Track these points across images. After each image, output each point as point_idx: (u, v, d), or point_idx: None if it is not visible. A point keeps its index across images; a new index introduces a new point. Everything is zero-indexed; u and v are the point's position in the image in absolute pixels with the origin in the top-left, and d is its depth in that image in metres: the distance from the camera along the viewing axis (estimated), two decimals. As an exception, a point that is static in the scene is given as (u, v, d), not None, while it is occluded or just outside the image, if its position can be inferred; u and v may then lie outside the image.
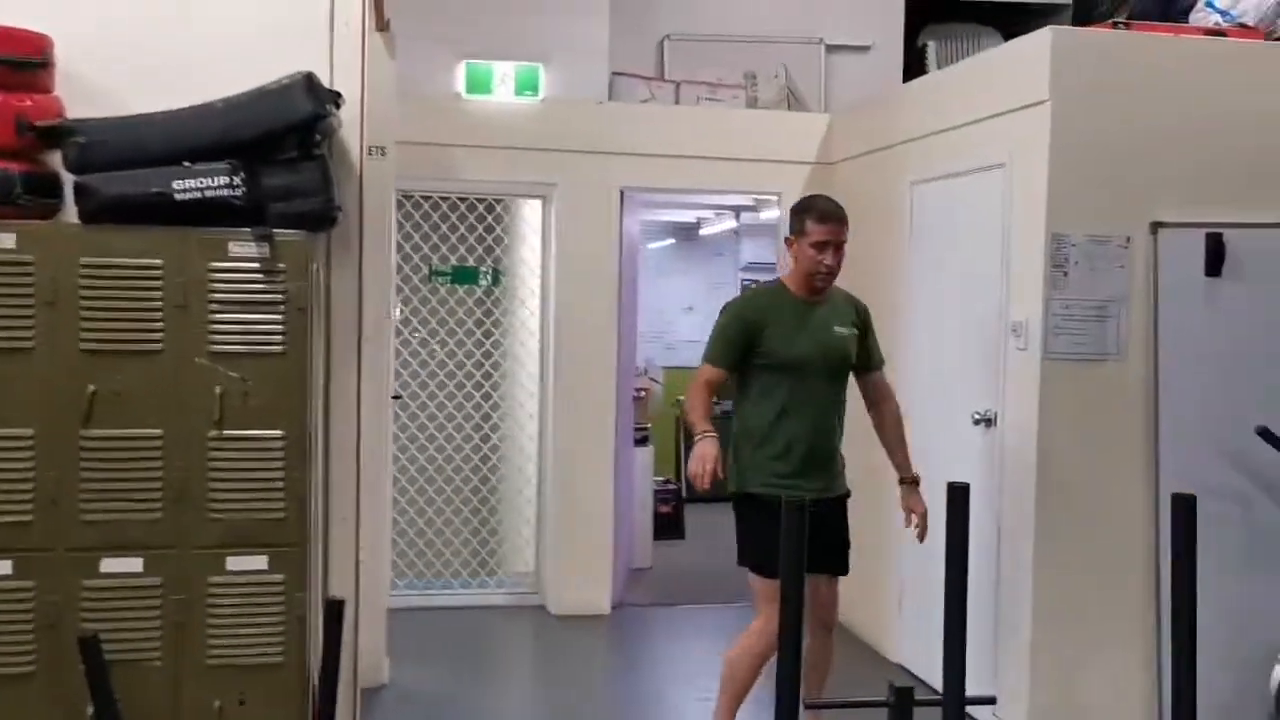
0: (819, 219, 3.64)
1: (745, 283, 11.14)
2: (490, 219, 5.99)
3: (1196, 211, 4.05)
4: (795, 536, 2.43)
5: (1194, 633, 2.39)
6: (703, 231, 10.32)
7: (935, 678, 4.59)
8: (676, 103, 5.97)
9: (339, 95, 3.31)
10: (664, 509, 7.41)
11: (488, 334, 6.17)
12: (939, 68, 6.70)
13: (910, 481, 3.79)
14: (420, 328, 5.88)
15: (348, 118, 3.41)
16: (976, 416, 4.36)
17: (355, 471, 3.56)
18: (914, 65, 6.75)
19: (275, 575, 3.18)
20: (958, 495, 2.55)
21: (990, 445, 4.32)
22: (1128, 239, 4.04)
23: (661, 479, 7.65)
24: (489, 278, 5.89)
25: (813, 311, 3.70)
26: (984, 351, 4.35)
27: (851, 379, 3.84)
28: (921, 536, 3.75)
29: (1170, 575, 2.37)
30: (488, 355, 6.01)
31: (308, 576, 3.21)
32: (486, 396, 6.02)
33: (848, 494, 3.81)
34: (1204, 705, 4.13)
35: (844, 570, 3.80)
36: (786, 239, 3.79)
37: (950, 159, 4.66)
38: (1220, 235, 4.04)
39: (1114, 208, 4.04)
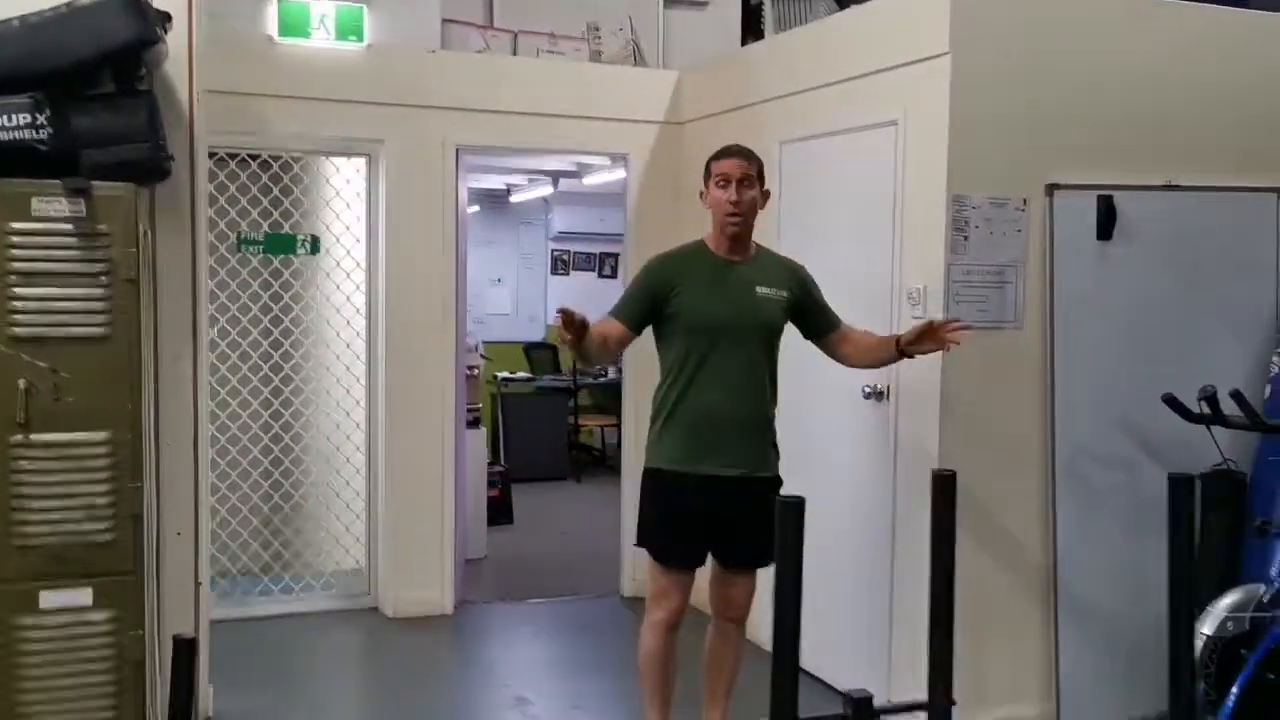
0: (719, 155, 3.44)
1: (556, 253, 10.77)
2: (308, 180, 5.34)
3: (1090, 173, 3.92)
4: (792, 531, 2.06)
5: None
6: (513, 199, 9.82)
7: (826, 673, 4.40)
8: (514, 54, 5.47)
9: (168, 17, 2.69)
10: (492, 493, 6.95)
11: (307, 309, 5.54)
12: (775, 31, 6.50)
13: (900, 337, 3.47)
14: (230, 304, 5.18)
15: (174, 47, 2.80)
16: (867, 390, 4.11)
17: (193, 476, 2.97)
18: (750, 25, 6.51)
19: (103, 612, 2.58)
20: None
21: (882, 420, 4.09)
22: (1025, 201, 3.86)
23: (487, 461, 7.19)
24: (307, 246, 5.25)
25: (732, 271, 3.39)
26: (875, 321, 4.09)
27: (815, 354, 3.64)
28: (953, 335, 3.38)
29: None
30: (287, 333, 5.35)
31: (146, 611, 2.62)
32: (287, 380, 5.38)
33: (776, 479, 3.46)
34: (1100, 672, 4.10)
35: (763, 562, 3.43)
36: (700, 194, 3.51)
37: (830, 116, 4.39)
38: (1111, 198, 3.93)
39: (1011, 169, 3.85)
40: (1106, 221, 3.92)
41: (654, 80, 5.58)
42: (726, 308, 3.35)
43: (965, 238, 3.79)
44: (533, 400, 9.04)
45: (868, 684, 4.10)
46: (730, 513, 3.36)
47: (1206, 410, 3.53)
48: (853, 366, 3.63)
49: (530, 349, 9.86)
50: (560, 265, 10.65)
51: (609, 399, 9.57)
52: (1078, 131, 3.91)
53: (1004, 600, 3.91)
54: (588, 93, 5.42)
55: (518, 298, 10.29)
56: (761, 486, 3.36)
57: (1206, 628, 3.43)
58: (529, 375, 9.36)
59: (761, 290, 3.40)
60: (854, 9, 4.46)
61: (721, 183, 3.37)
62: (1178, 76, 4.03)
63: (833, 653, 4.24)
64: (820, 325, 3.57)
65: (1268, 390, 4.01)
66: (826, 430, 4.32)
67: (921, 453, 3.92)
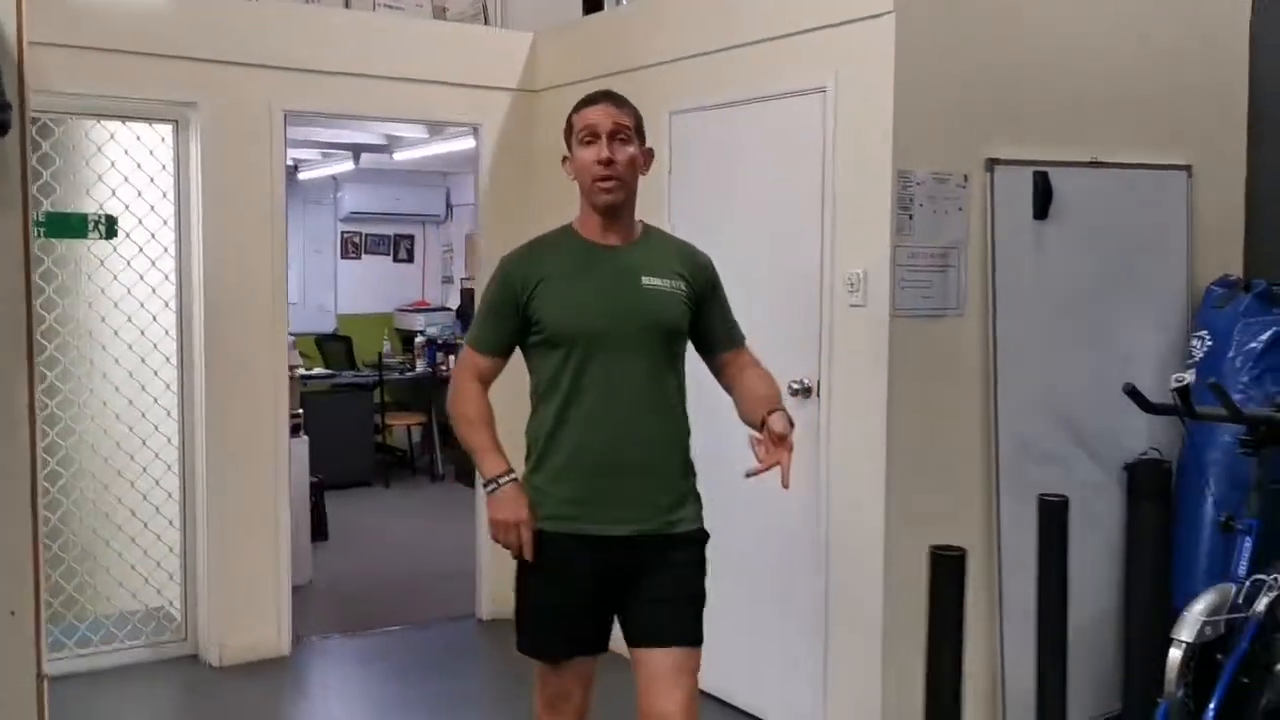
0: (582, 104, 2.59)
1: (346, 235, 9.88)
2: (102, 149, 4.44)
3: (1026, 148, 3.65)
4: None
5: None
6: (301, 176, 8.91)
7: (738, 698, 4.01)
8: (347, 6, 4.75)
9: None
10: (307, 507, 6.18)
11: (77, 304, 4.64)
12: (617, -4, 6.02)
13: (773, 411, 2.53)
14: None
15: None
16: (795, 386, 3.71)
17: (30, 535, 2.21)
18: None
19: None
20: (1053, 512, 1.84)
21: (811, 418, 3.69)
22: (965, 177, 3.55)
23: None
24: (100, 229, 4.36)
25: (610, 257, 2.56)
26: (801, 311, 3.70)
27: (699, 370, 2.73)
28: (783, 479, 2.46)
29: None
30: (51, 334, 4.38)
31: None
32: (51, 391, 4.47)
33: (699, 532, 2.62)
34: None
35: (690, 638, 2.56)
36: (564, 159, 2.63)
37: (736, 83, 3.95)
38: (1046, 174, 3.67)
39: (951, 141, 3.53)
40: (1044, 200, 3.67)
41: (507, 42, 4.98)
42: (603, 305, 2.52)
43: (910, 217, 3.44)
44: (332, 399, 8.20)
45: (805, 710, 3.78)
46: (634, 577, 2.54)
47: (1177, 401, 3.33)
48: (733, 399, 2.73)
49: (322, 341, 8.99)
50: (351, 249, 9.80)
51: (414, 395, 8.86)
52: (1014, 103, 3.63)
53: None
54: (433, 54, 4.77)
55: (305, 285, 9.36)
56: (678, 546, 2.57)
57: (1184, 634, 3.22)
58: (327, 371, 8.51)
59: (650, 281, 2.55)
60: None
61: (588, 138, 2.52)
62: (1101, 48, 3.82)
63: (759, 681, 3.84)
64: (717, 338, 2.69)
65: (1193, 375, 3.87)
66: (744, 432, 3.89)
67: (856, 455, 3.56)
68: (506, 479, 2.51)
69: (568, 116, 2.61)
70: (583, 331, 2.51)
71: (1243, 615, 3.26)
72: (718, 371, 2.74)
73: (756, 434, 2.49)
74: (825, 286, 3.62)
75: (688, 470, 2.65)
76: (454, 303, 9.49)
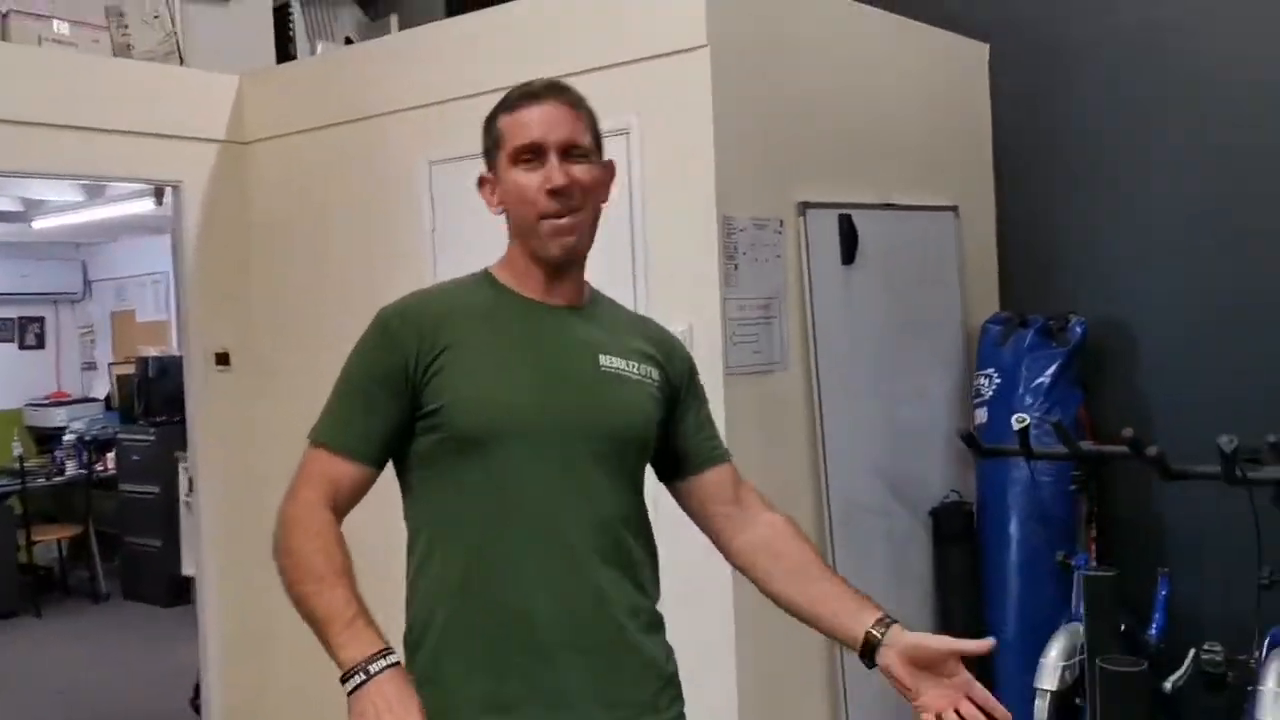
0: (514, 103, 1.78)
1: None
2: None
3: (831, 191, 3.50)
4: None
5: None
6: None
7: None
8: (3, 39, 3.89)
9: None
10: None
11: None
12: (308, 36, 5.45)
13: (889, 622, 1.67)
14: None
15: None
16: (612, 460, 3.31)
17: None
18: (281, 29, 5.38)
19: None
20: (1098, 588, 1.60)
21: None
22: (781, 222, 3.34)
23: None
24: None
25: (553, 323, 1.77)
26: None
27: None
28: None
29: None
30: None
31: None
32: None
33: None
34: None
35: None
36: (480, 182, 1.85)
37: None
38: (850, 217, 3.54)
39: (767, 184, 3.31)
40: (850, 244, 3.53)
41: (207, 86, 4.27)
42: (543, 392, 1.71)
43: (735, 266, 3.18)
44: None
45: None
46: None
47: (1017, 444, 3.25)
48: (739, 569, 1.86)
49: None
50: (-33, 335, 8.34)
51: (63, 503, 7.60)
52: (819, 144, 3.48)
53: (791, 677, 3.34)
54: (119, 99, 4.00)
55: None
56: None
57: (1047, 683, 3.14)
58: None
59: (610, 362, 1.76)
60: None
61: (526, 155, 1.74)
62: (882, 91, 3.76)
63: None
64: (695, 453, 1.86)
65: (985, 414, 3.87)
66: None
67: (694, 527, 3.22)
68: (381, 665, 1.53)
69: (490, 119, 1.81)
70: (510, 430, 1.67)
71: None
72: (703, 505, 1.87)
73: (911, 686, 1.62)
74: (642, 347, 3.27)
75: (666, 646, 1.81)
76: (102, 391, 8.29)
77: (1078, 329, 3.86)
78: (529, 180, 1.73)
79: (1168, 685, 3.51)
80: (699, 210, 3.13)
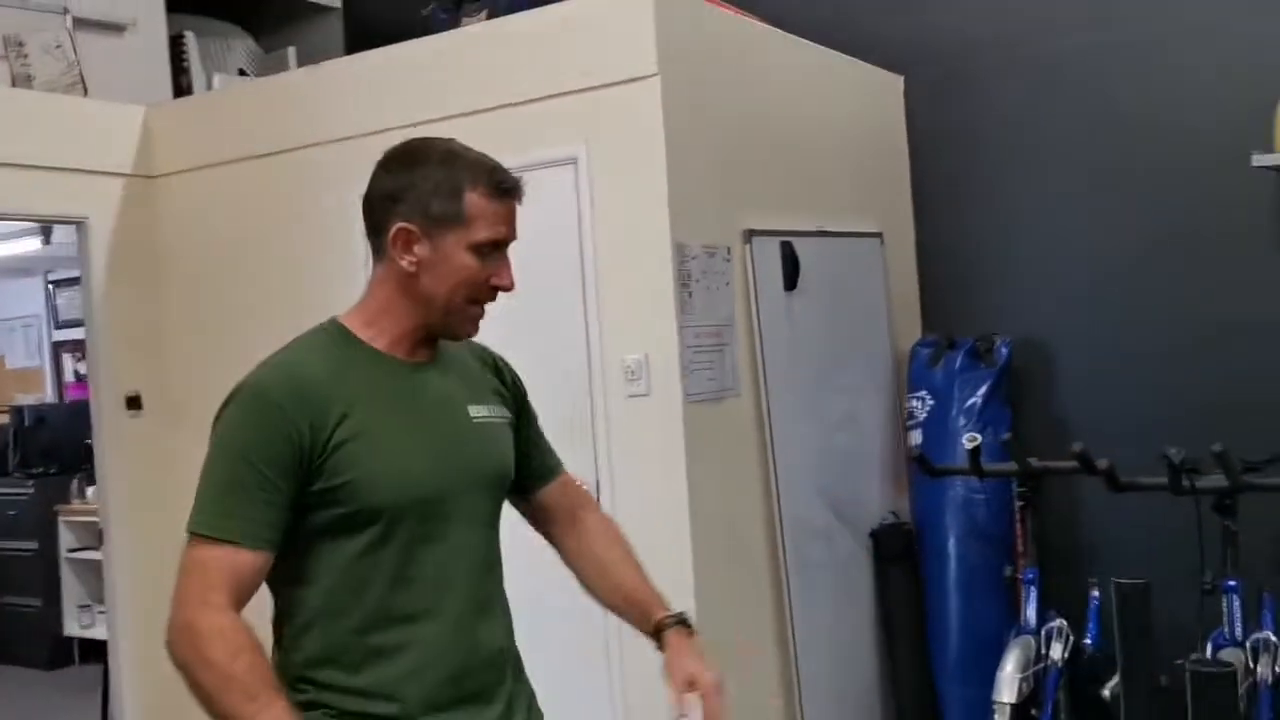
0: (492, 192, 1.70)
1: None
2: None
3: (773, 218, 3.53)
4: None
5: None
6: None
7: None
8: (-108, 70, 3.65)
9: None
10: None
11: None
12: (203, 64, 5.27)
13: (676, 622, 1.82)
14: None
15: None
16: (565, 492, 3.26)
17: None
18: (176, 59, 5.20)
19: None
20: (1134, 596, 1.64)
21: (589, 528, 3.27)
22: (729, 250, 3.35)
23: None
24: None
25: (425, 382, 1.75)
26: (567, 406, 3.27)
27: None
28: None
29: None
30: None
31: None
32: None
33: None
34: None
35: None
36: (398, 232, 1.68)
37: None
38: (791, 244, 3.58)
39: (715, 212, 3.32)
40: (792, 271, 3.57)
41: (111, 118, 4.08)
42: (441, 458, 1.71)
43: (690, 294, 3.17)
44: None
45: None
46: None
47: (966, 464, 3.32)
48: (569, 566, 1.96)
49: None
50: None
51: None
52: (761, 171, 3.52)
53: (750, 702, 3.32)
54: (18, 130, 3.79)
55: None
56: None
57: (1006, 696, 3.19)
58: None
59: (478, 412, 1.79)
60: (490, 22, 3.59)
61: (488, 246, 1.70)
62: (814, 118, 3.83)
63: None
64: (535, 470, 1.94)
65: (919, 436, 3.95)
66: (505, 539, 3.37)
67: (656, 552, 3.17)
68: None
69: (454, 189, 1.67)
70: (411, 502, 1.66)
71: (1044, 665, 3.30)
72: (544, 514, 1.97)
73: (677, 685, 1.74)
74: (596, 376, 3.23)
75: (524, 675, 1.87)
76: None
77: (1003, 350, 3.98)
78: (479, 270, 1.70)
79: (1106, 692, 3.63)
80: (652, 238, 3.12)
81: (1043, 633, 3.35)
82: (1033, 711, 3.24)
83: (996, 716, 3.17)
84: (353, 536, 1.64)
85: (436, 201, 1.67)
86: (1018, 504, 3.48)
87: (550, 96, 3.26)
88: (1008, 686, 3.20)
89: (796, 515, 3.48)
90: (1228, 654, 3.02)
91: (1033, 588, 3.43)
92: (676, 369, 3.11)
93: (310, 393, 1.63)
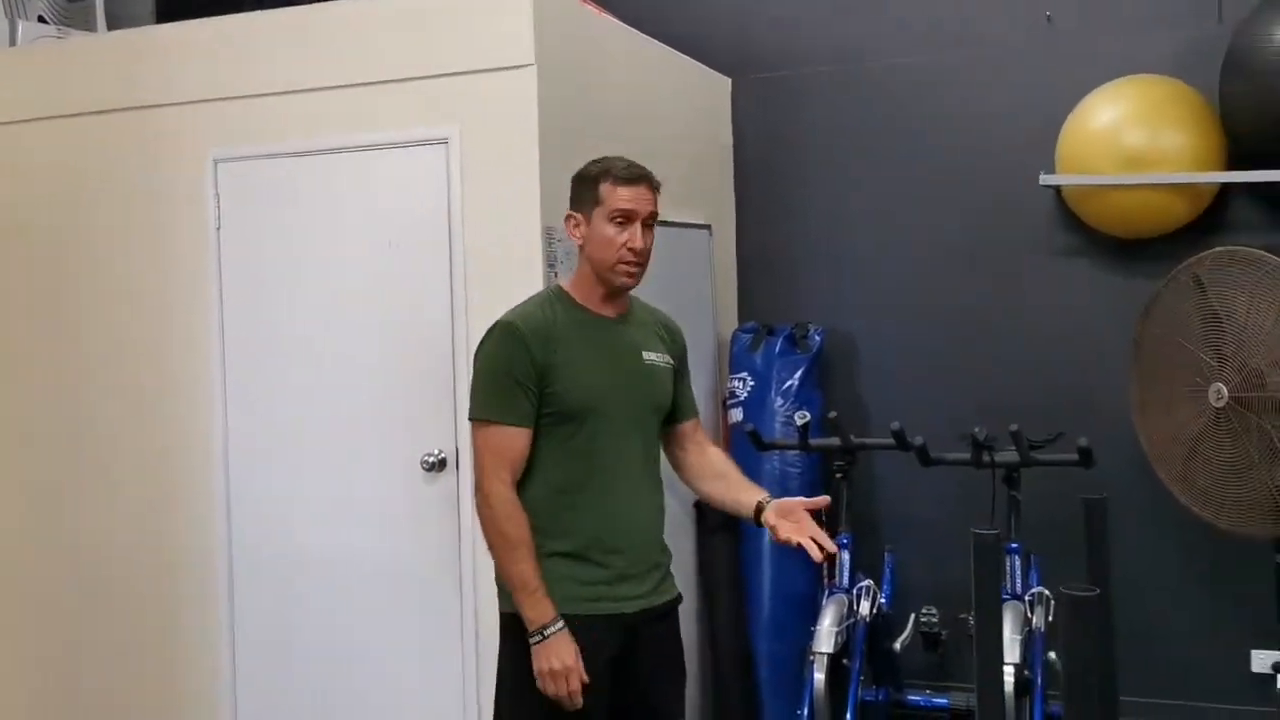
0: (621, 179, 2.50)
1: None
2: None
3: (623, 206, 3.76)
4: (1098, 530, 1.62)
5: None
6: None
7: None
8: None
9: None
10: None
11: None
12: (5, 13, 5.02)
13: (768, 500, 2.61)
14: None
15: None
16: (428, 461, 3.40)
17: None
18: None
19: None
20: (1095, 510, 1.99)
21: (448, 493, 3.42)
22: (586, 235, 3.57)
23: None
24: None
25: (612, 330, 2.55)
26: (428, 381, 3.41)
27: None
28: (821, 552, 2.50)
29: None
30: None
31: None
32: None
33: (679, 598, 2.67)
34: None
35: (681, 714, 2.67)
36: (568, 220, 2.57)
37: (315, 128, 3.52)
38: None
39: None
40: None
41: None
42: (614, 381, 2.50)
43: (555, 274, 3.36)
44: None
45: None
46: (649, 652, 2.55)
47: (795, 438, 3.66)
48: (686, 481, 2.78)
49: None
50: None
51: None
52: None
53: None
54: None
55: None
56: (669, 615, 2.63)
57: (824, 647, 3.54)
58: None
59: (649, 357, 2.59)
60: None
61: (620, 218, 2.48)
62: (657, 116, 4.09)
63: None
64: (681, 408, 2.71)
65: (740, 414, 4.29)
66: (370, 511, 3.48)
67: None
68: (555, 627, 2.36)
69: (594, 181, 2.51)
70: (594, 408, 2.46)
71: (854, 620, 3.69)
72: (676, 442, 2.75)
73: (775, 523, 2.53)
74: (458, 353, 3.38)
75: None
76: None
77: (817, 337, 4.37)
78: (619, 237, 2.48)
79: (896, 645, 4.08)
80: (523, 221, 3.30)
81: (854, 592, 3.74)
82: (844, 661, 3.62)
83: (815, 665, 3.52)
84: (558, 428, 2.43)
85: (586, 193, 2.51)
86: (836, 476, 3.85)
87: (425, 77, 3.38)
88: (826, 639, 3.56)
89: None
90: (1010, 606, 3.47)
91: (846, 552, 3.82)
92: (541, 345, 3.31)
93: (539, 331, 2.44)
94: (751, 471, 4.18)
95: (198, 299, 3.67)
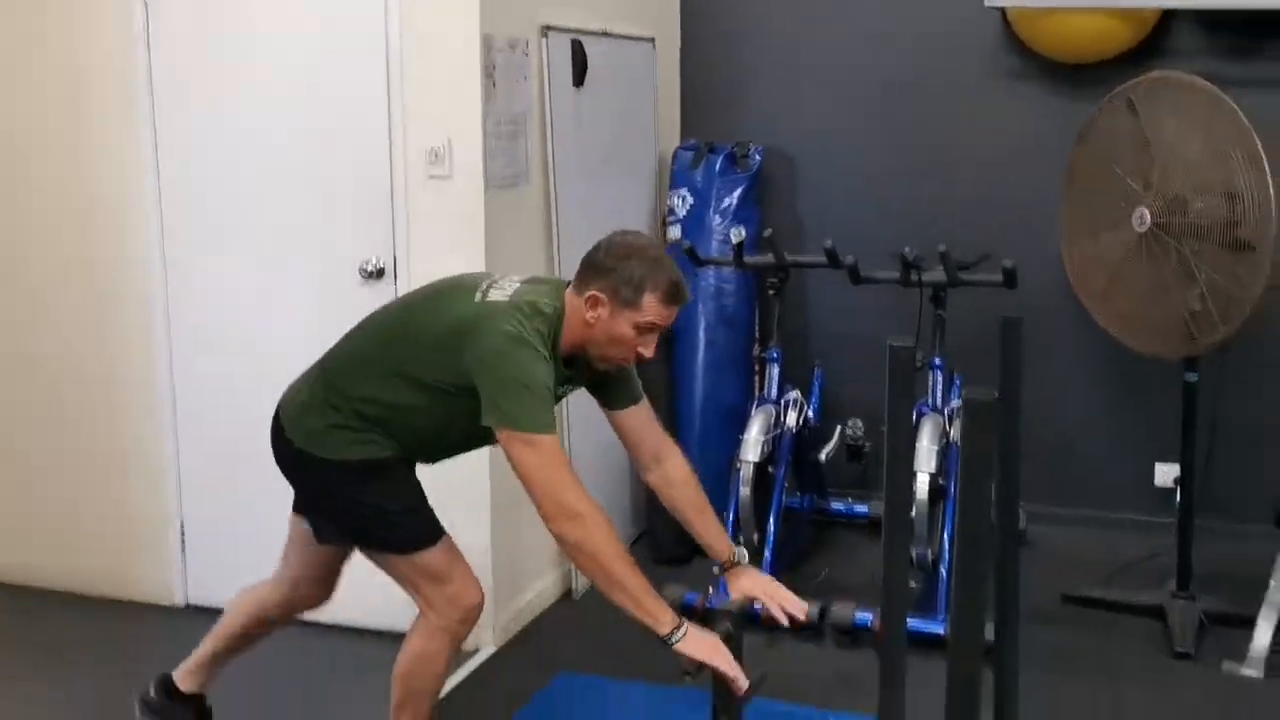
0: (669, 299, 2.33)
1: None
2: None
3: (563, 15, 3.70)
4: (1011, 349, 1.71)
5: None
6: None
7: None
8: None
9: None
10: None
11: None
12: None
13: (735, 561, 2.57)
14: None
15: None
16: (366, 269, 3.42)
17: None
18: None
19: None
20: (1011, 328, 2.07)
21: (384, 300, 3.42)
22: (527, 44, 3.51)
23: None
24: None
25: (562, 374, 2.41)
26: (366, 186, 3.40)
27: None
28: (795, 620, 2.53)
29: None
30: None
31: None
32: None
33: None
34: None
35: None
36: (591, 297, 2.33)
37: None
38: (581, 43, 3.77)
39: (517, 6, 3.45)
40: (581, 68, 3.77)
41: None
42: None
43: (494, 84, 3.33)
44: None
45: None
46: None
47: (730, 255, 3.72)
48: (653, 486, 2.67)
49: None
50: None
51: None
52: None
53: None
54: None
55: None
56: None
57: (750, 455, 3.68)
58: None
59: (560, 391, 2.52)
60: None
61: (648, 330, 2.34)
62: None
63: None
64: (612, 395, 2.58)
65: (678, 231, 4.32)
66: (309, 317, 3.51)
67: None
68: (686, 624, 2.23)
69: (632, 275, 2.30)
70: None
71: (779, 431, 3.83)
72: (636, 445, 2.67)
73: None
74: (397, 159, 3.36)
75: None
76: None
77: (757, 156, 4.39)
78: (635, 341, 2.34)
79: (822, 456, 4.26)
80: (462, 30, 3.25)
81: (781, 403, 3.87)
82: (769, 469, 3.78)
83: (742, 472, 3.67)
84: (456, 400, 2.31)
85: (626, 290, 2.30)
86: (770, 292, 3.93)
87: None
88: (752, 447, 3.70)
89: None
90: (930, 418, 3.63)
91: (775, 365, 3.93)
92: (479, 155, 3.30)
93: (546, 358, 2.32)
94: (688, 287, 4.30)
95: (129, 107, 3.58)
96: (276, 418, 2.52)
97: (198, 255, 3.63)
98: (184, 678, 2.76)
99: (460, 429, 2.40)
